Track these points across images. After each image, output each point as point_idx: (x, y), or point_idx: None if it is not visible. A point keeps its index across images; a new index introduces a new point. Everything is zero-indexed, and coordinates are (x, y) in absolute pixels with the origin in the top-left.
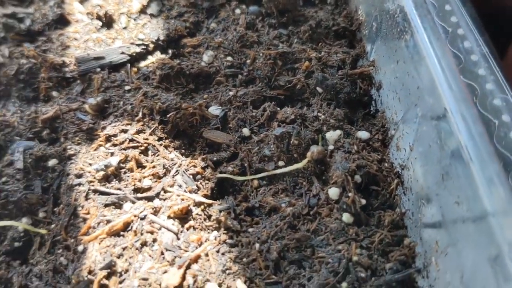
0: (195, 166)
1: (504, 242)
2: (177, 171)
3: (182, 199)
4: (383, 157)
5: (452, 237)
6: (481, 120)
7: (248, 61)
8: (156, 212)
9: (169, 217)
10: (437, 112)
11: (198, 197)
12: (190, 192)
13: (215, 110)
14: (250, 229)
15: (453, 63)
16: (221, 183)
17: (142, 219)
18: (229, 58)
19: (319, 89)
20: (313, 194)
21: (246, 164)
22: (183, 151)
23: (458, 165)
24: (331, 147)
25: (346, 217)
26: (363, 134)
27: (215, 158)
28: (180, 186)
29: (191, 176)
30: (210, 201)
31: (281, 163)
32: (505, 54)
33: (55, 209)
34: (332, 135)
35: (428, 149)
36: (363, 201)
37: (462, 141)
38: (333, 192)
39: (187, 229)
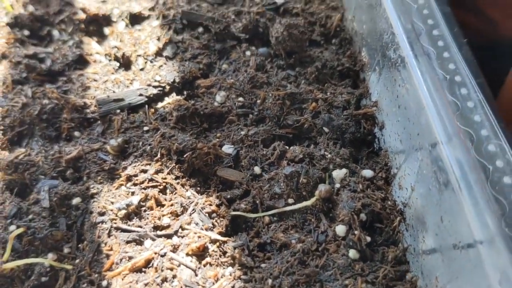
0: (210, 204)
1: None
2: (193, 209)
3: (199, 237)
4: (386, 195)
5: (451, 273)
6: (476, 166)
7: (258, 101)
8: (175, 249)
9: (187, 254)
10: (436, 158)
11: (214, 235)
12: (206, 229)
13: (228, 149)
14: (263, 265)
15: (450, 111)
16: (235, 220)
17: (162, 256)
18: (240, 99)
19: (325, 129)
20: (321, 231)
21: (257, 201)
22: (198, 188)
23: (455, 208)
24: (337, 185)
25: (353, 253)
26: (368, 173)
27: (228, 196)
28: (196, 224)
29: (207, 214)
30: (225, 238)
31: (290, 200)
32: (500, 91)
33: (79, 245)
34: (338, 173)
35: (428, 191)
36: (368, 238)
37: (458, 186)
38: (340, 229)
39: (204, 266)
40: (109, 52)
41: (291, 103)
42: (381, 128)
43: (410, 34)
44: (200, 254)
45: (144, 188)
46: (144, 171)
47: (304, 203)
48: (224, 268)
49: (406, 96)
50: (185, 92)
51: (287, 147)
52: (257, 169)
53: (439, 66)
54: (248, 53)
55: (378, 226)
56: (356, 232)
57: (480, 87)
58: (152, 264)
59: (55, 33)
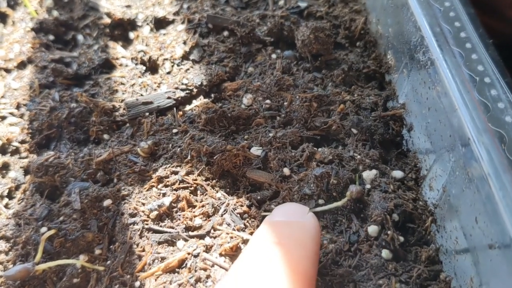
0: (241, 206)
1: None
2: (225, 210)
3: (232, 237)
4: (417, 195)
5: (486, 274)
6: (510, 166)
7: (285, 103)
8: (208, 249)
9: (220, 254)
10: (469, 159)
11: (246, 235)
12: (238, 230)
13: (256, 150)
14: None
15: (481, 112)
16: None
17: (195, 256)
18: (267, 101)
19: (354, 130)
20: (353, 231)
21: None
22: (228, 190)
23: (491, 210)
24: (368, 186)
25: (386, 253)
26: (398, 174)
27: (258, 197)
28: (228, 224)
29: (238, 215)
30: None
31: (321, 201)
32: None
33: (111, 246)
34: (368, 174)
35: (461, 192)
36: (401, 239)
37: (494, 188)
38: (373, 229)
39: None
40: (135, 56)
41: (318, 105)
42: (409, 129)
43: (439, 37)
44: (233, 254)
45: (175, 190)
46: (175, 173)
47: (335, 204)
48: None
49: (437, 98)
50: (212, 95)
51: (316, 149)
52: (286, 171)
53: (468, 67)
54: (273, 56)
55: (410, 226)
56: (389, 232)
57: (510, 87)
58: (186, 265)
59: (80, 37)
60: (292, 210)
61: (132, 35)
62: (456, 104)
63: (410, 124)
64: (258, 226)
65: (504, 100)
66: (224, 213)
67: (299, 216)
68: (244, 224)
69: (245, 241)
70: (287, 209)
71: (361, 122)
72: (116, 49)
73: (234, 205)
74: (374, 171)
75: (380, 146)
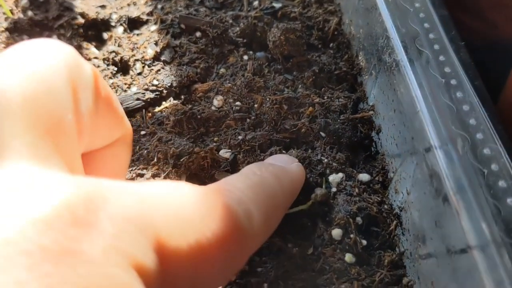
0: None
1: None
2: None
3: None
4: (383, 199)
5: (446, 279)
6: (471, 170)
7: (256, 105)
8: None
9: None
10: (430, 162)
11: None
12: None
13: (225, 153)
14: (259, 269)
15: (445, 115)
16: None
17: None
18: (237, 103)
19: (322, 134)
20: (317, 235)
21: None
22: None
23: (449, 213)
24: (334, 189)
25: (349, 257)
26: (364, 177)
27: None
28: None
29: None
30: None
31: None
32: (502, 91)
33: None
34: (334, 178)
35: (423, 195)
36: (364, 242)
37: (452, 191)
38: (336, 233)
39: None
40: (107, 56)
41: (288, 108)
42: (378, 132)
43: (404, 37)
44: None
45: None
46: (141, 175)
47: (300, 207)
48: None
49: (401, 100)
50: (182, 97)
51: (284, 152)
52: None
53: (434, 69)
54: (245, 57)
55: (375, 230)
56: (352, 235)
57: (477, 90)
58: None
59: (54, 38)
60: (281, 158)
61: (105, 35)
62: (417, 105)
63: (378, 126)
64: None
65: (469, 103)
66: None
67: (286, 163)
68: None
69: None
70: (277, 157)
71: (328, 125)
72: (90, 50)
73: None
74: (340, 174)
75: (347, 149)
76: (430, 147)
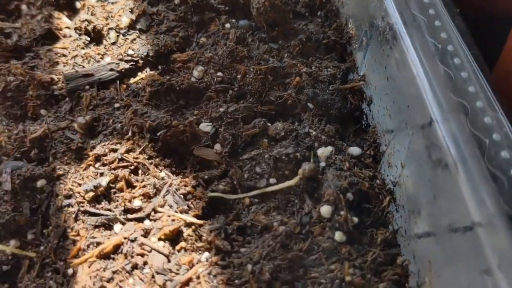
0: (186, 186)
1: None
2: (167, 190)
3: (173, 220)
4: (375, 173)
5: (446, 256)
6: (472, 140)
7: (239, 76)
8: (146, 233)
9: (160, 238)
10: (428, 132)
11: (189, 218)
12: (181, 212)
13: (206, 126)
14: (242, 249)
15: (443, 81)
16: (213, 202)
17: (132, 241)
18: (219, 74)
19: (310, 105)
20: (305, 212)
21: (235, 182)
22: (173, 169)
23: (449, 185)
24: (322, 164)
25: (339, 235)
26: (355, 150)
27: (206, 176)
28: (171, 206)
29: (182, 196)
30: (201, 221)
31: (272, 180)
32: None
33: (44, 231)
34: (323, 151)
35: (419, 168)
36: (356, 219)
37: (453, 161)
38: (325, 210)
39: (178, 251)
40: (80, 25)
41: (273, 78)
42: (369, 103)
43: (399, 0)
44: (174, 238)
45: (114, 169)
46: (114, 150)
47: (287, 183)
48: (200, 254)
49: (395, 67)
50: (159, 67)
51: (269, 124)
52: (236, 148)
53: (430, 34)
54: (227, 25)
55: (366, 207)
56: (342, 212)
57: (475, 57)
58: (121, 250)
59: (24, 7)
60: None
61: (78, 4)
62: (414, 70)
63: (369, 97)
64: (203, 207)
65: (467, 69)
66: (167, 194)
67: None
68: (188, 206)
69: (187, 224)
70: None
71: (317, 96)
72: (61, 19)
73: (178, 185)
74: (329, 148)
75: (337, 122)
76: (428, 116)
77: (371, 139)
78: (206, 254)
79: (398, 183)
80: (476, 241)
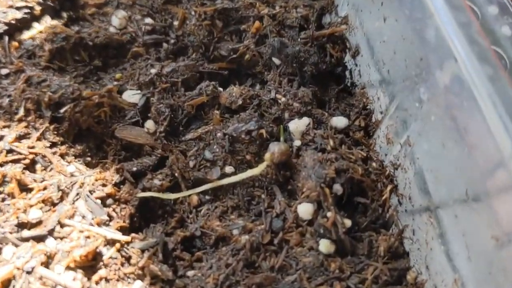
0: (104, 185)
1: None
2: (78, 193)
3: (88, 237)
4: (369, 153)
5: (479, 273)
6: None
7: (176, 23)
8: (49, 259)
9: (68, 267)
10: (455, 94)
11: (111, 232)
12: (99, 224)
13: (132, 96)
14: (190, 273)
15: (469, 19)
16: (145, 204)
17: (28, 273)
18: (148, 20)
19: (276, 60)
20: (276, 213)
21: (177, 174)
22: (88, 159)
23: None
24: (297, 142)
25: (325, 245)
26: (340, 121)
27: (134, 168)
28: (83, 216)
29: (99, 201)
30: (128, 237)
31: (228, 169)
32: None
33: None
34: (297, 125)
35: (440, 148)
36: (348, 222)
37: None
38: (305, 209)
39: (97, 283)
40: None
41: (224, 25)
42: (354, 54)
43: None
44: (90, 265)
45: (0, 165)
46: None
47: (249, 172)
48: (129, 283)
49: (397, 2)
50: (64, 15)
51: (221, 89)
52: (176, 125)
53: None
54: None
55: (361, 202)
56: (329, 214)
57: None
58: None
59: None
60: None
61: None
62: (431, 7)
63: (355, 46)
64: (131, 215)
65: (498, 3)
66: (77, 199)
67: None
68: (109, 215)
69: (109, 242)
70: None
71: (285, 47)
72: None
73: (93, 184)
74: (305, 120)
75: (313, 82)
76: (454, 71)
77: (360, 104)
78: (138, 284)
79: (401, 165)
80: None
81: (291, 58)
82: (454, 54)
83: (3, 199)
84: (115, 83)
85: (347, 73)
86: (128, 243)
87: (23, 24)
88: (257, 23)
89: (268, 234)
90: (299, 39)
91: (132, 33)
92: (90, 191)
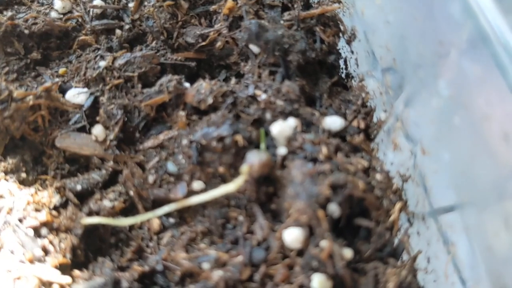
0: (38, 210)
1: None
2: (6, 222)
3: (17, 278)
4: (371, 162)
5: None
6: None
7: (131, 4)
8: None
9: None
10: (491, 89)
11: (47, 271)
12: (31, 261)
13: (76, 95)
14: None
15: None
16: (92, 232)
17: None
18: (97, 2)
19: (254, 48)
20: (257, 240)
21: (133, 192)
22: (23, 176)
23: None
24: (281, 150)
25: (319, 281)
26: (334, 122)
27: (79, 186)
28: (12, 252)
29: (31, 231)
30: (68, 278)
31: (197, 185)
32: None
33: None
34: (282, 128)
35: (467, 159)
36: (348, 252)
37: None
38: (293, 236)
39: None
40: None
41: (190, 5)
42: (350, 39)
43: None
44: None
45: None
46: None
47: (223, 189)
48: None
49: None
50: None
51: (188, 85)
52: (132, 131)
53: None
54: None
55: (363, 225)
56: (323, 243)
57: None
58: None
59: None
60: None
61: None
62: None
63: (351, 29)
64: (73, 247)
65: None
66: (4, 229)
67: None
68: (44, 248)
69: (45, 285)
70: None
71: (265, 32)
72: None
73: (24, 209)
74: (291, 121)
75: (301, 74)
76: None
77: (358, 101)
78: None
79: (412, 177)
80: None
81: (272, 45)
82: (489, 34)
83: None
84: (57, 79)
85: (341, 62)
86: (69, 285)
87: None
88: (230, 2)
89: (247, 267)
90: (282, 21)
91: (78, 18)
92: (19, 219)
